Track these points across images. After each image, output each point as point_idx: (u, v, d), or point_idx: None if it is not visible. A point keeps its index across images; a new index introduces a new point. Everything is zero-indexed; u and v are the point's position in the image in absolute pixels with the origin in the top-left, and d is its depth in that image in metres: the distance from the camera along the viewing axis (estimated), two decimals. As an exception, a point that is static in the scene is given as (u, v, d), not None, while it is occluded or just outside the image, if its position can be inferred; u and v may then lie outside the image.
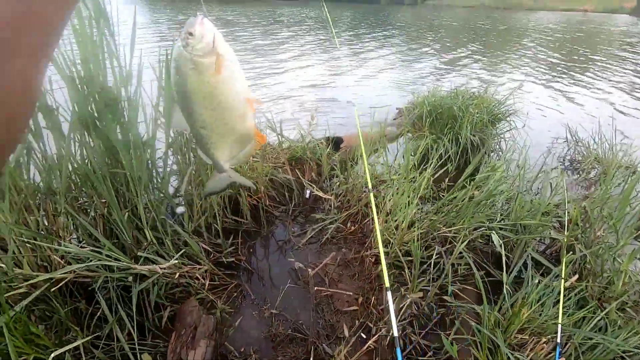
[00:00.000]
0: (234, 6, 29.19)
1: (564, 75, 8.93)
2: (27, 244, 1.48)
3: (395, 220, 2.18)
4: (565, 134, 4.13)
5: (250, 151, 0.75)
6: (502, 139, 3.92)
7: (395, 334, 1.33)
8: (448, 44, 13.42)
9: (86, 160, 1.67)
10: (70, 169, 1.70)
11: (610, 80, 8.56)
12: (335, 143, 3.31)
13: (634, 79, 8.99)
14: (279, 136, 3.01)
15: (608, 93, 7.35)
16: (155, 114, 1.91)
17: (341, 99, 5.97)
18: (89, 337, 1.42)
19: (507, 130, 3.97)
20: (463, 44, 13.27)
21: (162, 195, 2.03)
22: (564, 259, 1.64)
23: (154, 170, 1.95)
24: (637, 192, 2.15)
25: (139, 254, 1.66)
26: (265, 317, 1.81)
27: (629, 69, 10.37)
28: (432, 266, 1.96)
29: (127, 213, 1.69)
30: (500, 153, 3.69)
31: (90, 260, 1.50)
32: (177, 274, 1.70)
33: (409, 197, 2.20)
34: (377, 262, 2.12)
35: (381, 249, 1.54)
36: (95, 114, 1.54)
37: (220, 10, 23.04)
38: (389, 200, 2.37)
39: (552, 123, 4.91)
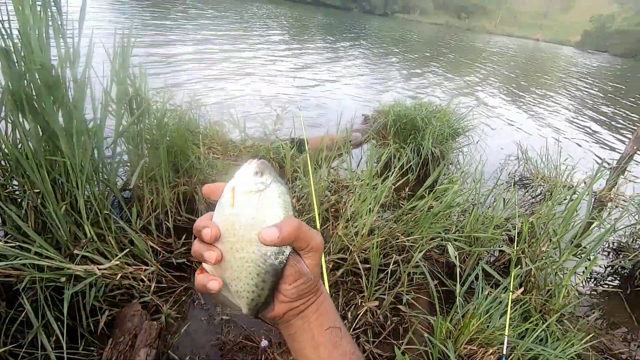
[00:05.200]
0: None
1: (518, 97, 9.58)
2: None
3: (356, 227, 2.17)
4: (517, 152, 4.39)
5: None
6: (460, 153, 4.09)
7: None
8: (414, 57, 13.88)
9: (19, 145, 1.49)
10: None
11: (559, 104, 9.32)
12: (300, 145, 3.26)
13: (578, 103, 9.86)
14: (242, 133, 2.90)
15: (556, 115, 7.98)
16: (105, 99, 1.75)
17: (310, 101, 5.94)
18: (8, 347, 1.25)
19: (466, 145, 4.15)
20: (428, 59, 13.80)
21: (108, 187, 1.86)
22: (513, 272, 1.70)
23: (100, 160, 1.78)
24: (577, 212, 2.30)
25: (75, 251, 1.50)
26: (215, 324, 1.71)
27: (574, 94, 11.38)
28: (389, 274, 1.97)
29: (64, 206, 1.52)
30: (458, 166, 3.84)
31: (16, 258, 1.33)
32: (119, 275, 1.56)
33: (370, 204, 2.20)
34: (336, 268, 2.09)
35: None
36: (33, 94, 1.37)
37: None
38: (350, 206, 2.36)
39: (505, 141, 5.21)
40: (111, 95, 1.80)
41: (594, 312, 2.22)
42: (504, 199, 2.57)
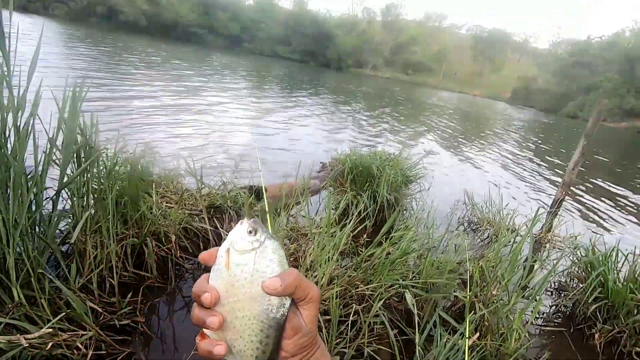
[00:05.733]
0: (166, 45, 28.78)
1: (462, 145, 10.43)
2: None
3: (315, 276, 2.14)
4: (464, 198, 4.69)
5: None
6: (414, 199, 4.28)
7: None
8: (370, 108, 14.81)
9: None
10: None
11: (500, 153, 10.26)
12: (259, 193, 3.25)
13: (516, 152, 10.93)
14: (199, 182, 2.84)
15: (498, 163, 8.75)
16: (50, 147, 1.66)
17: (268, 149, 6.02)
18: None
19: (418, 192, 4.37)
20: (383, 111, 14.77)
21: (45, 243, 1.70)
22: (467, 318, 1.75)
23: (38, 213, 1.64)
24: (521, 254, 2.46)
25: (-2, 319, 1.32)
26: (160, 394, 1.55)
27: (512, 144, 12.65)
28: (349, 326, 1.93)
29: (-10, 266, 1.36)
30: (412, 212, 4.00)
31: None
32: (50, 344, 1.38)
33: (329, 252, 2.20)
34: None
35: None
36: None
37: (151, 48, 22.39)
38: (310, 254, 2.33)
39: (453, 188, 5.56)
40: (56, 144, 1.71)
41: (544, 353, 2.31)
42: (454, 244, 2.69)
